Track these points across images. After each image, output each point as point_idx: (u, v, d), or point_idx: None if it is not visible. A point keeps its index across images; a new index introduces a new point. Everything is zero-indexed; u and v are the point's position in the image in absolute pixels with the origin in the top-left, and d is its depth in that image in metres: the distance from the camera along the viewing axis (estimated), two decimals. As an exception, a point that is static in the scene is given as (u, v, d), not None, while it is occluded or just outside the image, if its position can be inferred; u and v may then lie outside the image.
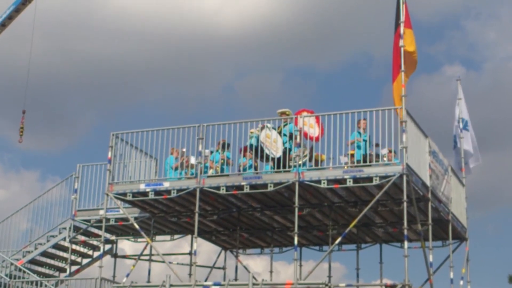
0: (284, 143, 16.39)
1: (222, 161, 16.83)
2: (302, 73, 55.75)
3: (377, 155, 15.88)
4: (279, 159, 16.16)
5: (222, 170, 16.76)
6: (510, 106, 48.48)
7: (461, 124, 20.26)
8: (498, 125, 47.86)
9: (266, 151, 16.31)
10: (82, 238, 20.26)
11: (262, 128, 16.53)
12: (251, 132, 16.61)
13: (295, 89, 53.67)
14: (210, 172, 16.80)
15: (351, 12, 50.63)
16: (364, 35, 51.77)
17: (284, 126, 16.73)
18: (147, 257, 19.83)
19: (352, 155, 15.72)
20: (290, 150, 16.19)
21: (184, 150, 16.96)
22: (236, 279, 20.17)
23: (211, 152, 17.07)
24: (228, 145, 16.89)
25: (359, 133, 15.94)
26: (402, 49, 15.69)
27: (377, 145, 15.67)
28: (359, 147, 15.91)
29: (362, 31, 51.62)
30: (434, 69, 54.60)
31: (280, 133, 16.63)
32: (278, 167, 16.03)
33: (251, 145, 16.68)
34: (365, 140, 15.95)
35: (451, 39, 54.82)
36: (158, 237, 20.28)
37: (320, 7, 49.93)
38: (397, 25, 16.05)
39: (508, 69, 51.97)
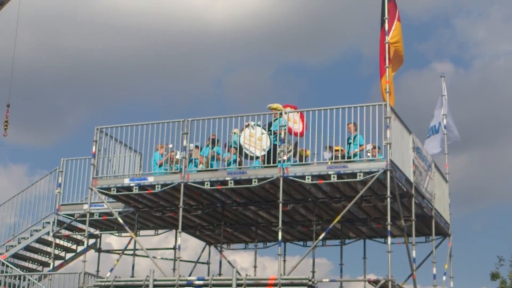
0: (273, 139, 16.32)
1: (211, 156, 16.78)
2: (292, 69, 55.80)
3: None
4: (267, 154, 16.13)
5: (211, 165, 16.72)
6: (497, 104, 48.74)
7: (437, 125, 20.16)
8: (485, 122, 48.11)
9: (247, 152, 16.30)
10: (66, 232, 20.20)
11: (247, 126, 16.49)
12: (234, 133, 16.56)
13: (285, 85, 53.67)
14: (200, 167, 16.79)
15: (342, 9, 50.67)
16: (355, 32, 51.86)
17: (274, 121, 16.64)
18: (131, 252, 19.80)
19: (337, 150, 15.73)
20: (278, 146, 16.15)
21: (170, 146, 16.92)
22: (220, 274, 20.17)
23: (196, 147, 17.02)
24: (218, 140, 16.88)
25: (349, 137, 15.97)
26: (387, 45, 15.77)
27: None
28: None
29: (353, 28, 51.72)
30: (423, 66, 54.78)
31: (270, 128, 16.54)
32: (266, 162, 16.01)
33: (230, 146, 16.68)
34: (349, 143, 16.01)
35: (440, 37, 54.99)
36: (142, 232, 20.26)
37: (311, 4, 49.95)
38: (382, 21, 16.10)
39: (497, 67, 52.25)
